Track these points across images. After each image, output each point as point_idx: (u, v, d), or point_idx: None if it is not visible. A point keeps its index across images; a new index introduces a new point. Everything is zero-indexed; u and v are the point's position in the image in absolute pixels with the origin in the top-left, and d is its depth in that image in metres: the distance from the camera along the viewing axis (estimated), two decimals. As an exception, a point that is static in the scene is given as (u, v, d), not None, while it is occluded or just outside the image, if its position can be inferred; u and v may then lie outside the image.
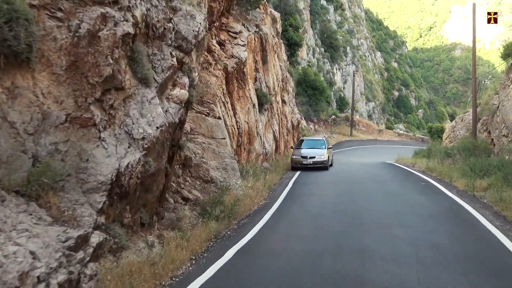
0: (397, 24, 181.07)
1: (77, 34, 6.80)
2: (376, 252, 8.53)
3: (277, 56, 30.55)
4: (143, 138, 7.56)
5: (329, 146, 26.28)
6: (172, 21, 9.29)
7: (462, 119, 31.08)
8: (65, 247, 5.55)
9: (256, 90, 23.75)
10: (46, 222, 5.71)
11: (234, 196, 13.18)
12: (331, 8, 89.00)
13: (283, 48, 36.35)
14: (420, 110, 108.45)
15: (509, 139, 18.65)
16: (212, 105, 16.67)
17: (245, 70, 21.53)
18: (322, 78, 61.68)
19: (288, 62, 44.58)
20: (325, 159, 24.16)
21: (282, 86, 31.69)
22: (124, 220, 7.36)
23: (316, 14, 78.10)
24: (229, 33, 22.23)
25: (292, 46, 46.58)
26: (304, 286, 6.94)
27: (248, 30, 23.72)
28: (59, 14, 6.72)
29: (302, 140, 28.29)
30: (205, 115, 16.01)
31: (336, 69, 79.63)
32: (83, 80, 6.87)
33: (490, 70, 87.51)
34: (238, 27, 22.82)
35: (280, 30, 33.92)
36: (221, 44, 21.11)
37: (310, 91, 51.78)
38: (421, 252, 8.47)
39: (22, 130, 6.05)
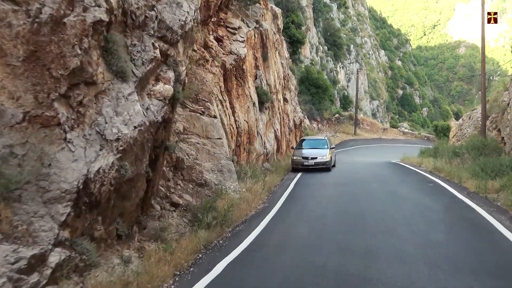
0: (401, 22, 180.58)
1: (37, 20, 5.89)
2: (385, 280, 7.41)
3: (278, 53, 29.71)
4: (117, 139, 6.64)
5: (332, 146, 25.13)
6: (155, 8, 8.35)
7: (469, 117, 30.15)
8: (13, 270, 4.66)
9: (256, 88, 22.97)
10: (-8, 240, 4.82)
11: (229, 200, 12.26)
12: (334, 6, 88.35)
13: (284, 45, 35.49)
14: (424, 109, 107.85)
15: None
16: (208, 103, 15.76)
17: (244, 67, 20.72)
18: (326, 77, 60.86)
19: (290, 60, 43.70)
20: (328, 159, 23.08)
21: (283, 84, 30.84)
22: (95, 233, 6.43)
23: (319, 12, 77.33)
24: (228, 28, 21.44)
25: (295, 44, 45.69)
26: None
27: (248, 26, 22.91)
28: (16, -3, 5.83)
29: (303, 140, 27.18)
30: (200, 113, 15.10)
31: (340, 67, 78.87)
32: (44, 73, 5.96)
33: (495, 68, 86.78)
34: (237, 22, 22.01)
35: (281, 26, 33.03)
36: (219, 40, 20.27)
37: (313, 90, 50.97)
38: (434, 272, 7.30)
39: (-32, 131, 5.16)
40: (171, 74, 8.43)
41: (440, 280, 6.88)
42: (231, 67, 19.43)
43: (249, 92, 21.35)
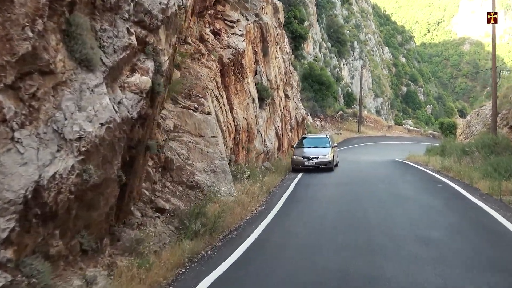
0: (404, 19, 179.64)
1: (-24, -5, 4.89)
2: None
3: (280, 48, 28.66)
4: (79, 139, 5.63)
5: (334, 145, 23.94)
6: (131, -11, 7.31)
7: (478, 114, 29.03)
8: None
9: (256, 83, 21.98)
10: None
11: (222, 204, 11.24)
12: (337, 2, 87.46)
13: (286, 40, 34.44)
14: (428, 106, 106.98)
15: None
16: (202, 99, 14.74)
17: (243, 62, 19.71)
18: (329, 73, 59.77)
19: (292, 56, 42.65)
20: (330, 159, 21.93)
21: (285, 80, 29.77)
22: (50, 250, 5.41)
23: (323, 8, 76.29)
24: (226, 21, 20.47)
25: (297, 39, 44.66)
26: None
27: (247, 19, 21.90)
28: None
29: (304, 138, 25.78)
30: (193, 110, 14.07)
31: (343, 64, 77.91)
32: (-15, 59, 4.95)
33: (500, 65, 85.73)
34: (235, 15, 21.02)
35: (282, 20, 31.92)
36: (216, 33, 19.29)
37: (316, 86, 49.96)
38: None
39: None
40: (150, 64, 7.39)
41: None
42: (229, 61, 18.44)
43: (249, 88, 20.34)
